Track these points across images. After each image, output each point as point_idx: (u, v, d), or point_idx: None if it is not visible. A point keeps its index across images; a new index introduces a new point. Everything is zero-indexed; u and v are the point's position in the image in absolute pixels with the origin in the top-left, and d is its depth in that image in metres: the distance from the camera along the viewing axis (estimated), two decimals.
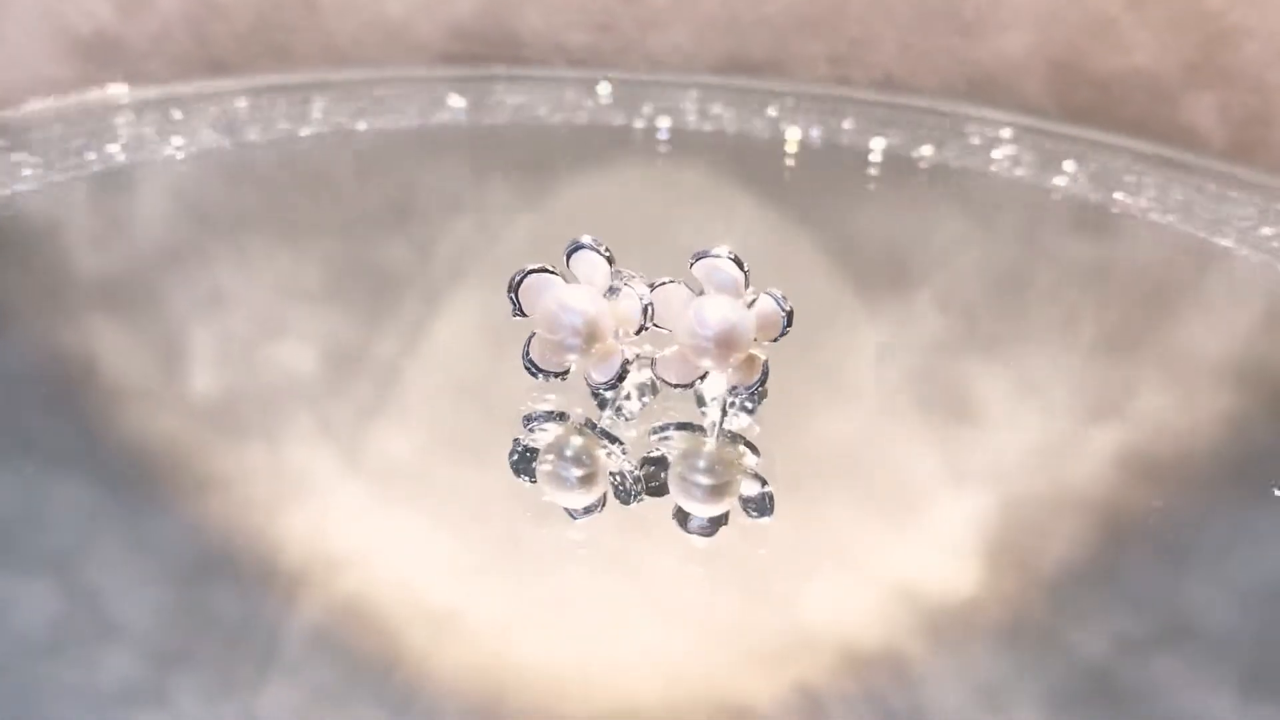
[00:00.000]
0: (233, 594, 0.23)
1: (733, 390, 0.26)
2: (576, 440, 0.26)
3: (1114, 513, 0.26)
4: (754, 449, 0.25)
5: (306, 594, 0.23)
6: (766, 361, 0.25)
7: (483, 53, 0.45)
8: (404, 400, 0.29)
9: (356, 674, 0.22)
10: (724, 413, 0.26)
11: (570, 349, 0.25)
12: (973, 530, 0.26)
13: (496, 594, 0.24)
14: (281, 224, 0.36)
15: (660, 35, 0.45)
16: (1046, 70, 0.43)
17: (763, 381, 0.25)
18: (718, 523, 0.24)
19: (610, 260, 0.26)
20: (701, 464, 0.25)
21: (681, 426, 0.26)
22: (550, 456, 0.26)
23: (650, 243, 0.35)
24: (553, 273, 0.26)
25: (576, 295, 0.25)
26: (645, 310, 0.25)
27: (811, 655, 0.23)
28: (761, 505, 0.24)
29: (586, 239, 0.26)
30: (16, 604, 0.22)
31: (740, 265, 0.25)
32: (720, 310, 0.25)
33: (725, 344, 0.25)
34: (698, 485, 0.25)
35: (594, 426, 0.26)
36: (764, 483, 0.25)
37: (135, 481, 0.26)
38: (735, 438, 0.26)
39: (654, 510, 0.25)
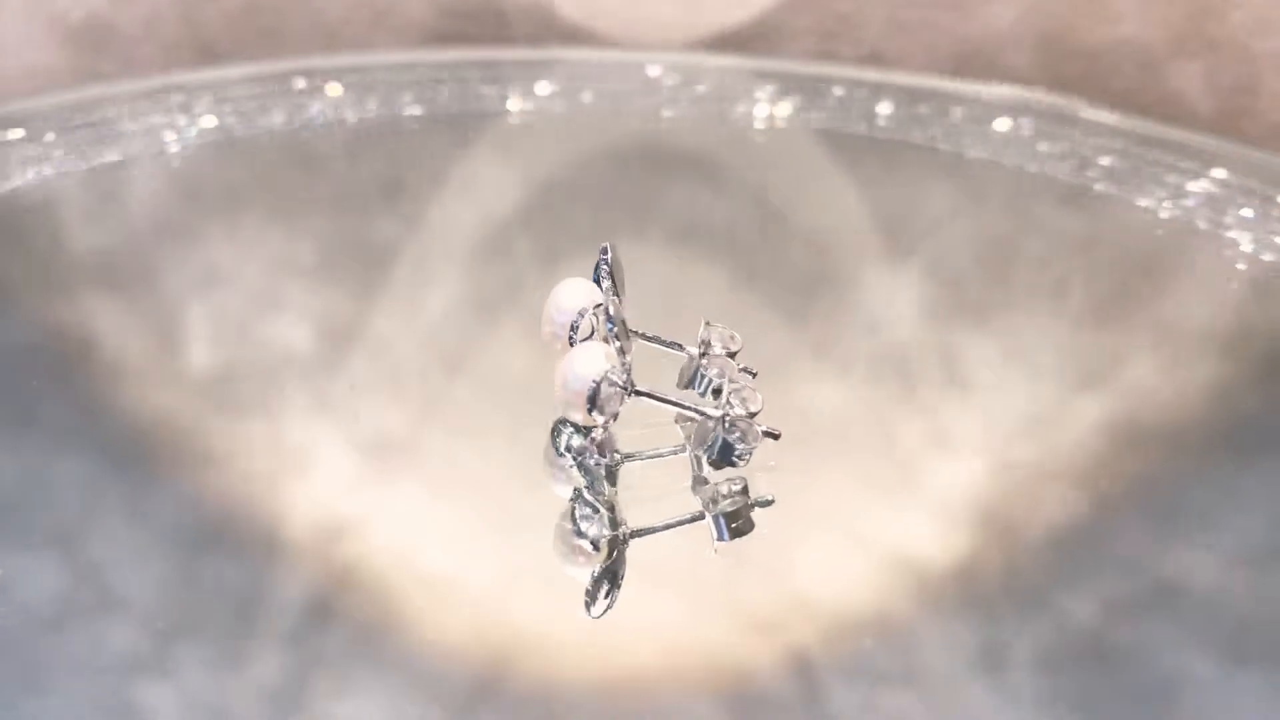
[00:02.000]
0: (233, 565, 0.23)
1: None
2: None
3: (1102, 478, 0.26)
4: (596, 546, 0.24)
5: (306, 564, 0.23)
6: (606, 448, 0.24)
7: (472, 31, 0.45)
8: (398, 374, 0.29)
9: (357, 642, 0.22)
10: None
11: (556, 340, 0.25)
12: (963, 496, 0.26)
13: (493, 562, 0.24)
14: (275, 203, 0.36)
15: (648, 11, 0.45)
16: (1034, 42, 0.43)
17: (597, 454, 0.24)
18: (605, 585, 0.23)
19: (606, 275, 0.25)
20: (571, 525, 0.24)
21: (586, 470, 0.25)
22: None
23: (635, 219, 0.35)
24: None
25: (568, 295, 0.25)
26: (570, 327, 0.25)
27: (805, 621, 0.23)
28: (592, 595, 0.23)
29: (607, 250, 0.25)
30: (21, 578, 0.23)
31: (612, 326, 0.24)
32: (591, 367, 0.24)
33: (590, 402, 0.24)
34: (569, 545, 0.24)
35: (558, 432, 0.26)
36: (611, 577, 0.23)
37: (136, 456, 0.26)
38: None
39: (650, 480, 0.25)
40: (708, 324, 0.26)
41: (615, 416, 0.24)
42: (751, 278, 0.33)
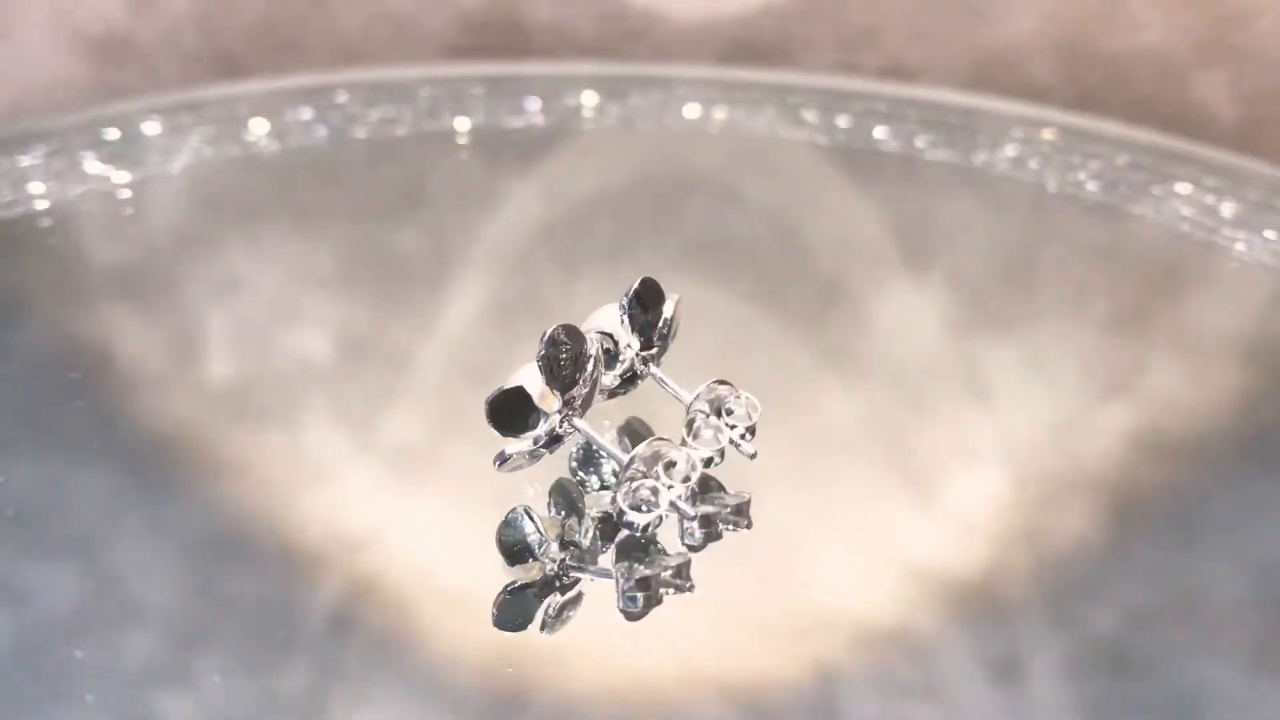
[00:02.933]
0: (252, 576, 0.23)
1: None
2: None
3: (1125, 488, 0.26)
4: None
5: (325, 575, 0.24)
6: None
7: (490, 45, 0.45)
8: (416, 385, 0.29)
9: (375, 652, 0.22)
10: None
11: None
12: (986, 507, 0.26)
13: (511, 574, 0.24)
14: (296, 217, 0.36)
15: (668, 25, 0.45)
16: (1055, 51, 0.43)
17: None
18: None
19: (624, 309, 0.25)
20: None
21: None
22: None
23: (656, 233, 0.35)
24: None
25: (602, 317, 0.25)
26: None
27: (825, 633, 0.23)
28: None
29: (637, 284, 0.25)
30: (41, 588, 0.23)
31: (543, 350, 0.23)
32: (510, 381, 0.23)
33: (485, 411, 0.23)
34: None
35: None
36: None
37: (156, 467, 0.26)
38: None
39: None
40: (721, 382, 0.24)
41: (540, 441, 0.23)
42: (777, 291, 0.33)
